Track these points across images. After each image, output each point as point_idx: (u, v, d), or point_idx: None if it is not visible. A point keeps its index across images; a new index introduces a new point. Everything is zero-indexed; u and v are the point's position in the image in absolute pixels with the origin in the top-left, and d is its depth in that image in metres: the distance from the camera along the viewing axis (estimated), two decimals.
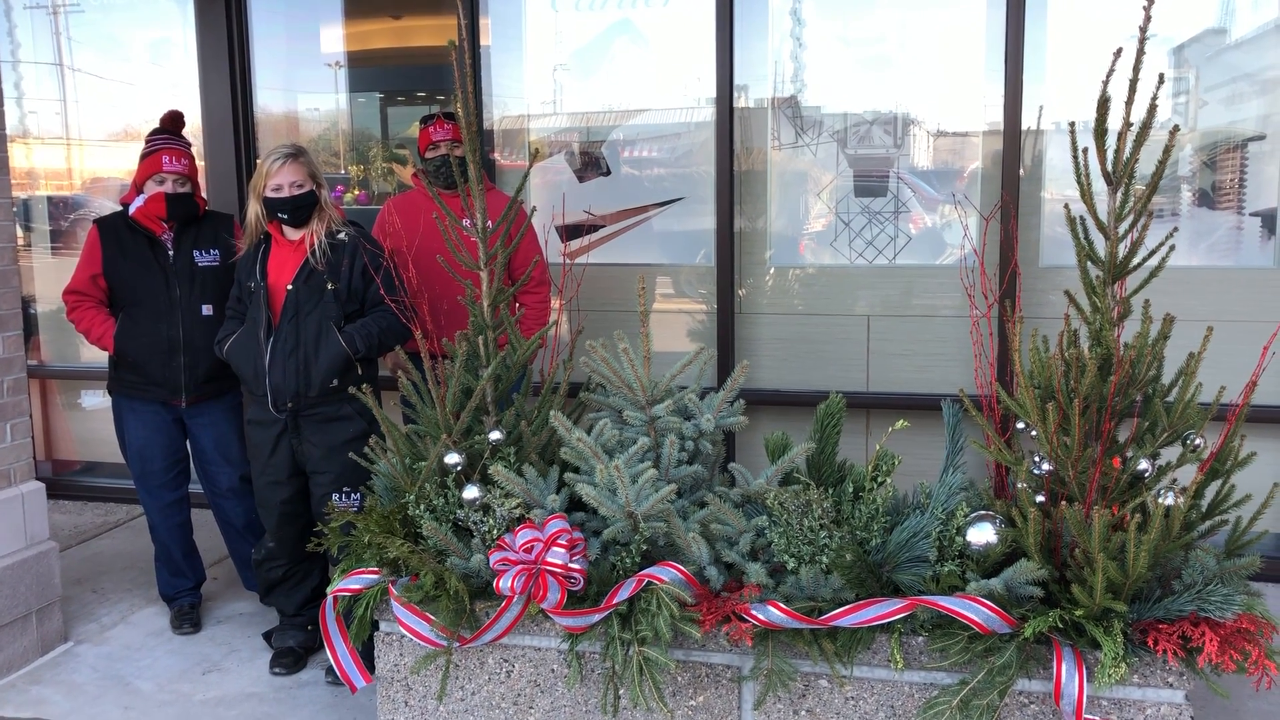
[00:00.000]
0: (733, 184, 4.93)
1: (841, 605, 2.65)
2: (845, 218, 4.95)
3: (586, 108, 5.28)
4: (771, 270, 5.06)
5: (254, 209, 3.72)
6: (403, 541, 2.91)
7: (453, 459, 2.99)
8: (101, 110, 6.03)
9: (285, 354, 3.63)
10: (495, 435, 3.04)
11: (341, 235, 3.74)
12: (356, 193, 5.74)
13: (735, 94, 4.91)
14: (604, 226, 5.22)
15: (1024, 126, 4.60)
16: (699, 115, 5.11)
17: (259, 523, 4.23)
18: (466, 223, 4.16)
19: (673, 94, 5.17)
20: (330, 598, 3.06)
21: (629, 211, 5.22)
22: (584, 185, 5.25)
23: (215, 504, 4.25)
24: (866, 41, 4.89)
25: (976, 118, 4.79)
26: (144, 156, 3.98)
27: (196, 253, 4.02)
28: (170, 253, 3.99)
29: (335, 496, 3.72)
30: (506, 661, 2.94)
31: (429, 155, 4.16)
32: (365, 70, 5.80)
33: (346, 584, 3.02)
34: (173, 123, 4.08)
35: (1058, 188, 4.71)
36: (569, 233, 5.17)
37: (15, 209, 5.41)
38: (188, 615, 4.21)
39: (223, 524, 4.29)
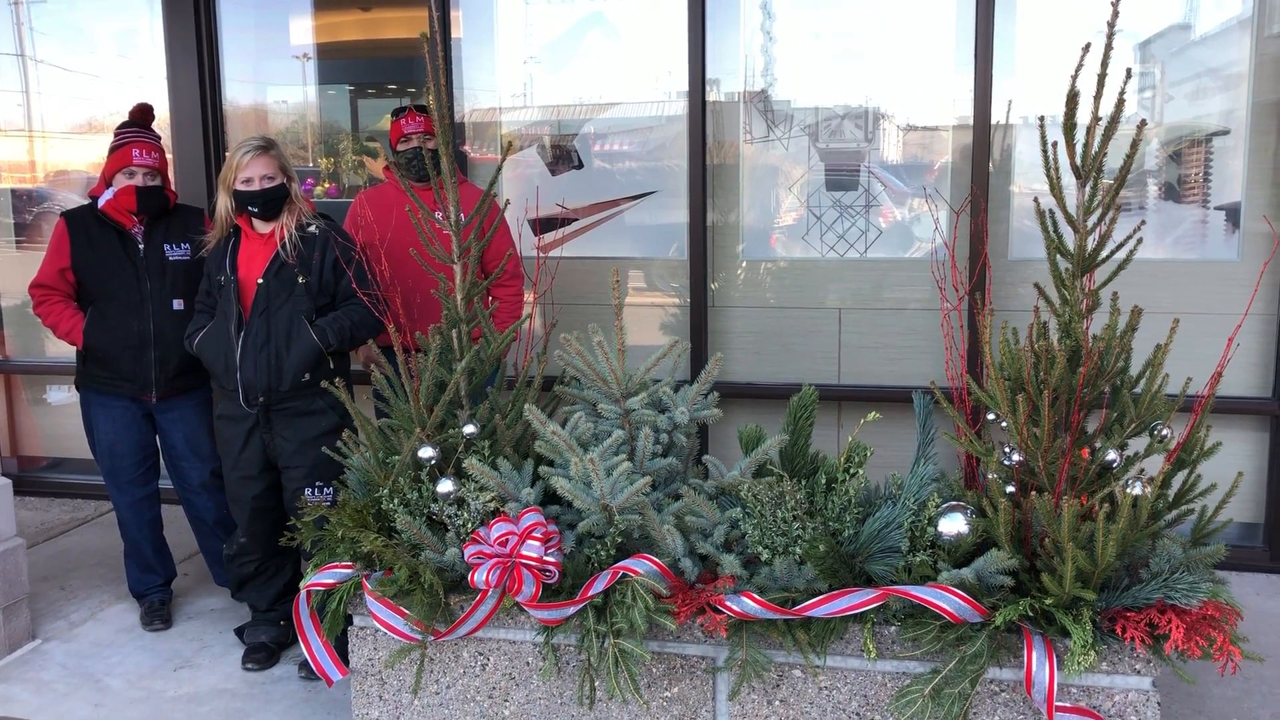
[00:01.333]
0: (705, 177, 4.94)
1: (815, 596, 2.66)
2: (817, 211, 4.97)
3: (558, 100, 5.28)
4: (744, 264, 5.08)
5: (223, 202, 3.69)
6: (376, 535, 2.90)
7: (426, 453, 2.98)
8: (66, 102, 5.95)
9: (256, 348, 3.61)
10: (469, 429, 3.04)
11: (312, 228, 3.72)
12: (327, 186, 5.70)
13: (707, 88, 4.92)
14: (576, 220, 5.22)
15: (994, 120, 4.64)
16: (671, 109, 5.12)
17: (230, 518, 4.21)
18: (439, 215, 4.19)
19: (645, 87, 5.17)
20: (304, 592, 3.05)
21: (601, 205, 5.22)
22: (556, 178, 5.24)
23: (186, 500, 4.22)
24: (837, 35, 4.91)
25: (947, 112, 4.83)
26: (113, 149, 3.93)
27: (167, 246, 3.98)
28: (141, 246, 3.95)
29: (308, 491, 3.70)
30: (482, 654, 2.94)
31: (401, 148, 4.14)
32: (335, 63, 5.77)
33: (320, 578, 3.01)
34: (142, 115, 4.03)
35: (1027, 181, 4.75)
36: (541, 226, 5.16)
37: None
38: (158, 611, 4.18)
39: (193, 520, 4.26)
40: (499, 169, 3.26)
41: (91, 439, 4.11)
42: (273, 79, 5.71)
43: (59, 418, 6.05)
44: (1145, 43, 4.66)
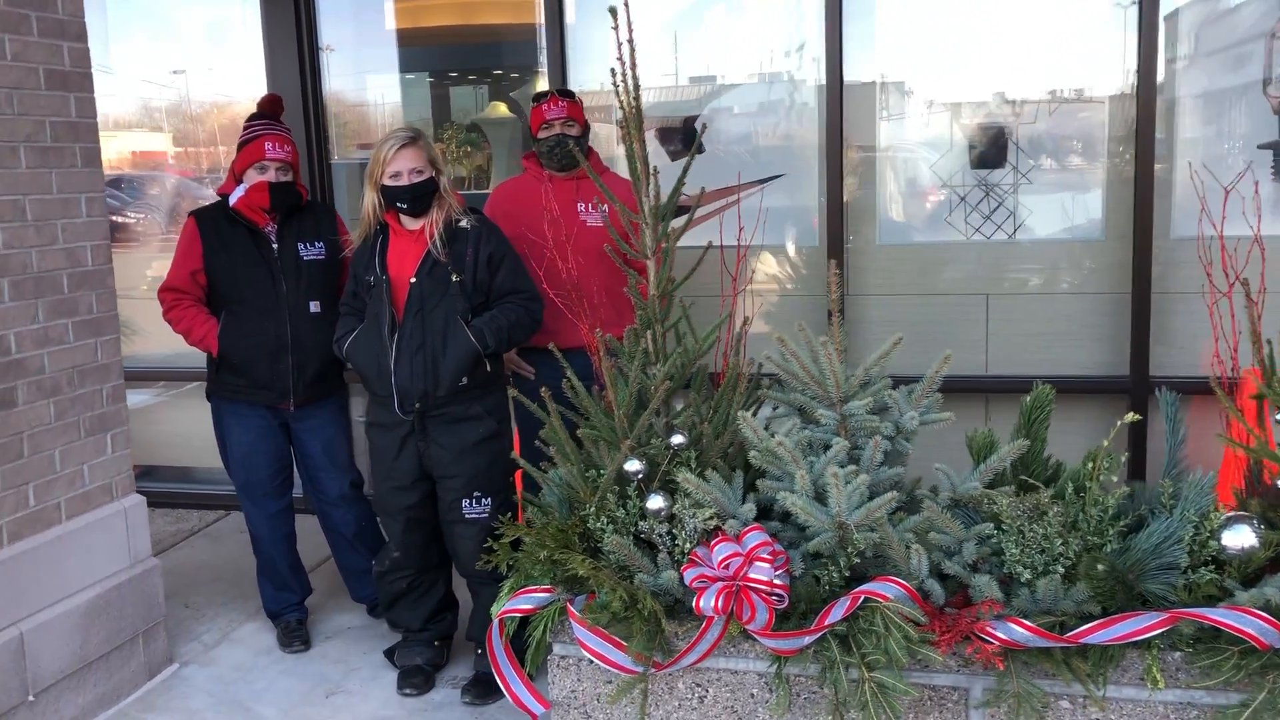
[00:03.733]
0: (841, 158, 4.66)
1: (1087, 620, 2.41)
2: (960, 191, 4.69)
3: (678, 81, 5.01)
4: (882, 248, 4.80)
5: (370, 198, 3.44)
6: (585, 557, 2.66)
7: (633, 466, 2.74)
8: (156, 94, 5.75)
9: (411, 351, 3.37)
10: (678, 439, 2.78)
11: (464, 223, 3.47)
12: None
13: (844, 60, 4.61)
14: (699, 206, 4.95)
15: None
16: (800, 86, 4.84)
17: (369, 531, 3.99)
18: (582, 206, 3.94)
19: (771, 65, 4.90)
20: (496, 620, 2.81)
21: (726, 190, 4.95)
22: (677, 163, 4.97)
23: (323, 512, 3.99)
24: (982, 4, 4.60)
25: (1103, 83, 4.53)
26: (243, 143, 3.70)
27: (301, 246, 3.74)
28: (275, 246, 3.71)
29: (465, 502, 3.47)
30: (699, 685, 2.70)
31: (542, 135, 3.87)
32: (433, 49, 5.55)
33: (515, 604, 2.78)
34: (272, 106, 3.80)
35: (1192, 156, 4.43)
36: None
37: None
38: (296, 632, 3.95)
39: (330, 534, 4.03)
40: (689, 160, 3.02)
41: (224, 451, 3.88)
42: (370, 66, 5.47)
43: (148, 423, 5.82)
44: None
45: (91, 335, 3.53)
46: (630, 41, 2.85)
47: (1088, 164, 4.62)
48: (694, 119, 4.95)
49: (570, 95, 3.89)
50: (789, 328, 4.92)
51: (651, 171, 2.87)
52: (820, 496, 2.60)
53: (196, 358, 4.20)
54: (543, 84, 5.09)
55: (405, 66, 5.51)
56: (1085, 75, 4.57)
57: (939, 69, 4.68)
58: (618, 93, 2.90)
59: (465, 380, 3.40)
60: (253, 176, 3.67)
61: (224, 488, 5.30)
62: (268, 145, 3.63)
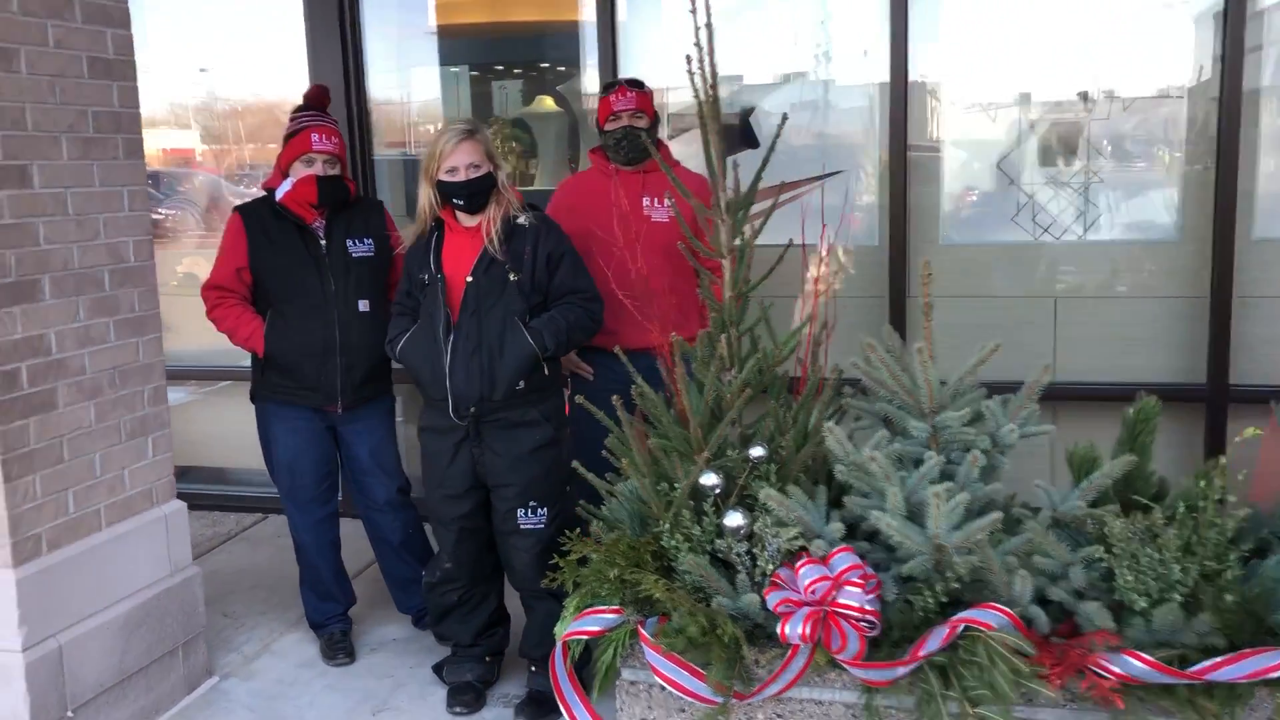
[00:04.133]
0: (905, 155, 4.47)
1: (1208, 653, 2.22)
2: (1029, 190, 4.49)
3: (731, 75, 4.84)
4: (944, 249, 4.61)
5: (426, 194, 3.29)
6: (659, 578, 2.49)
7: (710, 480, 2.57)
8: (189, 91, 5.63)
9: (467, 353, 3.21)
10: (758, 451, 2.61)
11: (521, 220, 3.31)
12: None
13: (909, 49, 4.42)
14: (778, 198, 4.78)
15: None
16: (859, 80, 4.66)
17: (416, 539, 3.85)
18: (647, 201, 3.77)
19: (828, 59, 4.72)
20: (560, 643, 2.64)
21: (781, 187, 4.75)
22: (730, 159, 4.79)
23: (369, 518, 3.84)
24: None
25: (1180, 78, 4.32)
26: (290, 136, 3.55)
27: (350, 242, 3.59)
28: (323, 242, 3.56)
29: (520, 512, 3.31)
30: (780, 717, 2.52)
31: (609, 127, 3.69)
32: (476, 42, 5.40)
33: (581, 625, 2.61)
34: (318, 97, 3.65)
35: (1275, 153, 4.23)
36: None
37: None
38: (340, 644, 3.80)
39: (376, 541, 3.88)
40: (770, 150, 2.85)
41: (269, 455, 3.74)
42: (412, 60, 5.33)
43: (181, 423, 5.67)
44: None
45: (133, 334, 3.38)
46: (709, 26, 2.69)
47: (1163, 163, 4.43)
48: (750, 111, 4.78)
49: (639, 86, 3.71)
50: (844, 330, 4.76)
51: (731, 165, 2.69)
52: (913, 515, 2.42)
53: (230, 355, 4.06)
54: (588, 79, 4.93)
55: (445, 61, 5.36)
56: (1161, 70, 4.37)
57: (1007, 64, 4.50)
58: (692, 80, 2.74)
59: (522, 384, 3.24)
60: (299, 170, 3.52)
61: (261, 490, 5.19)
62: (315, 137, 3.48)
